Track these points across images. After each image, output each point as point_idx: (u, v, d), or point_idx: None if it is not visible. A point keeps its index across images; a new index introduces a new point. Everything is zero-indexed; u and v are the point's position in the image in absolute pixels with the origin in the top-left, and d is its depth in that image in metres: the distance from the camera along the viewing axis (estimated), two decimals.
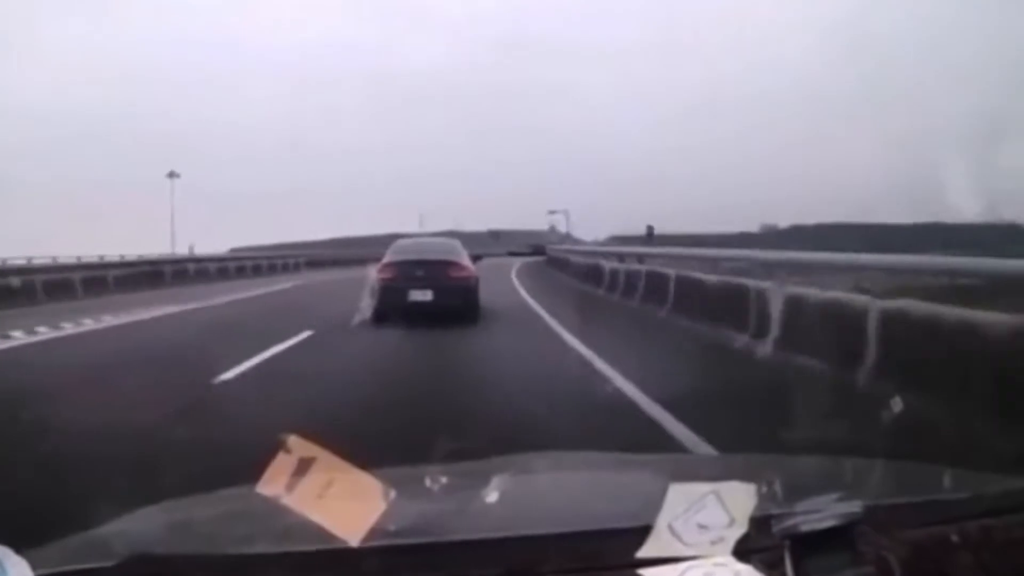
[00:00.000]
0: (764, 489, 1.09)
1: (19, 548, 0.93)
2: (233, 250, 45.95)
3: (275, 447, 1.02)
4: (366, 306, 11.58)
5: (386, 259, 11.98)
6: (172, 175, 44.33)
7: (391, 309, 11.10)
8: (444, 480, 1.34)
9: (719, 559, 0.96)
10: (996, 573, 1.07)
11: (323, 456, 1.01)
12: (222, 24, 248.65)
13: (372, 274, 11.88)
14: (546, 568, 1.01)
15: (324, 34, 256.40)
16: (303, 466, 1.00)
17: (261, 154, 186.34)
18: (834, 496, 1.03)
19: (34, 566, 0.91)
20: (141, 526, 1.24)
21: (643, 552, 0.96)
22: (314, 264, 38.56)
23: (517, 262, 33.55)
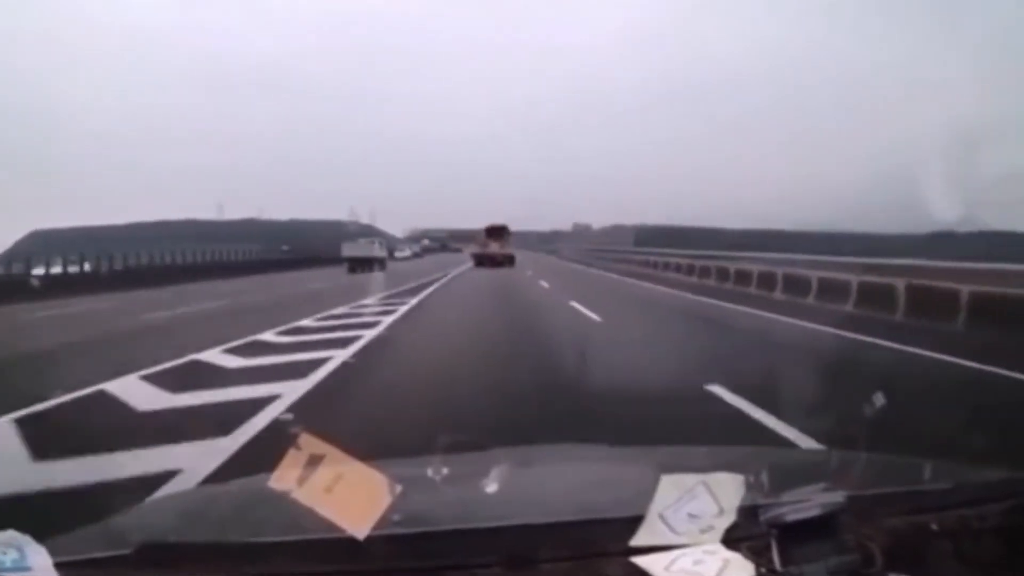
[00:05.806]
0: (751, 480, 1.12)
1: (40, 536, 0.96)
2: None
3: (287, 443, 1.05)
4: None
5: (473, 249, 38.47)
6: None
7: (480, 261, 37.78)
8: (446, 472, 1.37)
9: (708, 547, 0.99)
10: (973, 560, 1.11)
11: (331, 452, 1.05)
12: None
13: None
14: (542, 556, 1.05)
15: None
16: (313, 461, 1.03)
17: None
18: (818, 487, 1.06)
19: (53, 554, 0.94)
20: (155, 516, 1.27)
21: (636, 540, 1.00)
22: None
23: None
